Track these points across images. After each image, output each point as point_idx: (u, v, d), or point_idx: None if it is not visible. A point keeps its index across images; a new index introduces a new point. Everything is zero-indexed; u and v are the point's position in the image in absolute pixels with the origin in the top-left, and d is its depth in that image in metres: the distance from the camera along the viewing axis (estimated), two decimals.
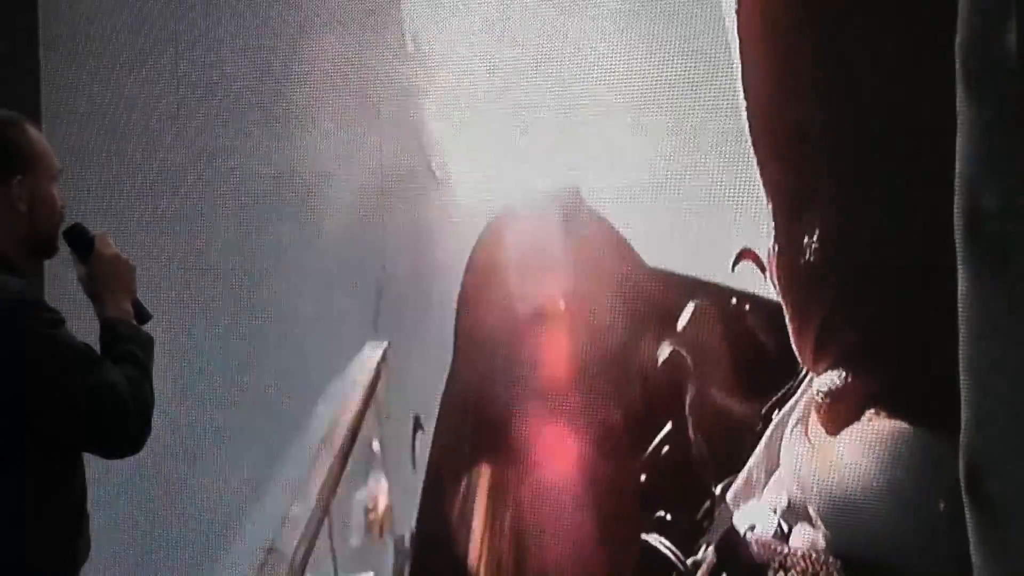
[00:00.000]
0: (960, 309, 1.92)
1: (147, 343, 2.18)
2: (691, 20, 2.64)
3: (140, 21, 3.49)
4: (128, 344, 2.12)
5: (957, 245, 1.91)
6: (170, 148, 3.51)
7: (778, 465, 2.49)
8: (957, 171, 1.92)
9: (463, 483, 3.14)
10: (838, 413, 2.36)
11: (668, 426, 2.69)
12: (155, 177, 3.52)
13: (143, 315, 2.27)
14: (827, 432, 2.39)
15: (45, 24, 3.49)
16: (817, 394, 2.41)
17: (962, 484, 1.91)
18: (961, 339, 1.92)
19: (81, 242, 2.25)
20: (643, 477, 2.72)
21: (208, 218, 3.50)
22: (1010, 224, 1.85)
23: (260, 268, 3.48)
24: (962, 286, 1.92)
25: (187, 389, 3.48)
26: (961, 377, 1.91)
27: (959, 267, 1.92)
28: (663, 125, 2.73)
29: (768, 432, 2.52)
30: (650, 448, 2.71)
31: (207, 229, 3.50)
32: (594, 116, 2.88)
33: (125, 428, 2.03)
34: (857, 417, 2.33)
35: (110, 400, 2.00)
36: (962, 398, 1.92)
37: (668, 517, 2.68)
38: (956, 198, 1.91)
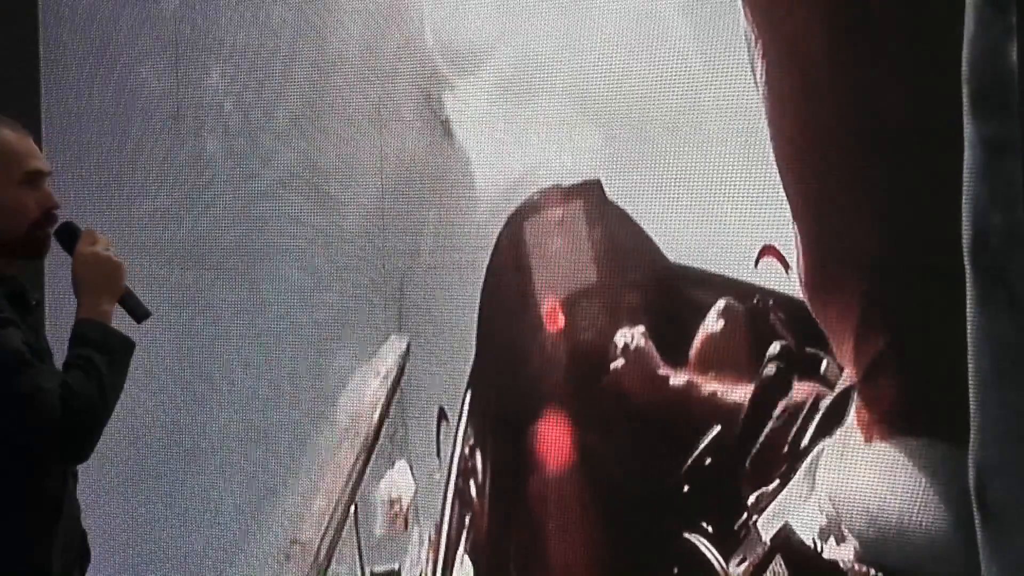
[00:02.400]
0: (968, 321, 1.92)
1: (118, 347, 2.10)
2: (711, 17, 2.63)
3: (140, 21, 3.48)
4: (85, 348, 2.05)
5: (965, 259, 1.92)
6: (170, 148, 3.50)
7: (814, 483, 2.48)
8: (964, 186, 1.92)
9: (488, 480, 3.14)
10: (872, 420, 2.34)
11: (714, 431, 2.67)
12: (155, 177, 3.51)
13: (138, 313, 2.22)
14: (863, 438, 2.37)
15: (45, 24, 3.47)
16: (853, 401, 2.40)
17: (971, 491, 1.91)
18: (970, 350, 1.92)
19: (70, 240, 2.20)
20: (686, 488, 2.70)
21: (209, 218, 3.50)
22: (1014, 238, 1.85)
23: (264, 267, 3.47)
24: (970, 298, 1.93)
25: (206, 387, 3.48)
26: (970, 387, 1.92)
27: (967, 280, 1.92)
28: (685, 121, 2.72)
29: (808, 458, 2.50)
30: (694, 455, 2.69)
31: (208, 229, 3.49)
32: (616, 109, 2.87)
33: (51, 434, 1.97)
34: (890, 426, 2.32)
35: (33, 405, 1.95)
36: (971, 407, 1.93)
37: (710, 528, 2.66)
38: (963, 212, 1.91)
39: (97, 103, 3.50)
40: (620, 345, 2.84)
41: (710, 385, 2.71)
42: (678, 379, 2.76)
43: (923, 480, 2.27)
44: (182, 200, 3.51)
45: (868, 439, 2.38)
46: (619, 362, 2.83)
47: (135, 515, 3.46)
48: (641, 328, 2.83)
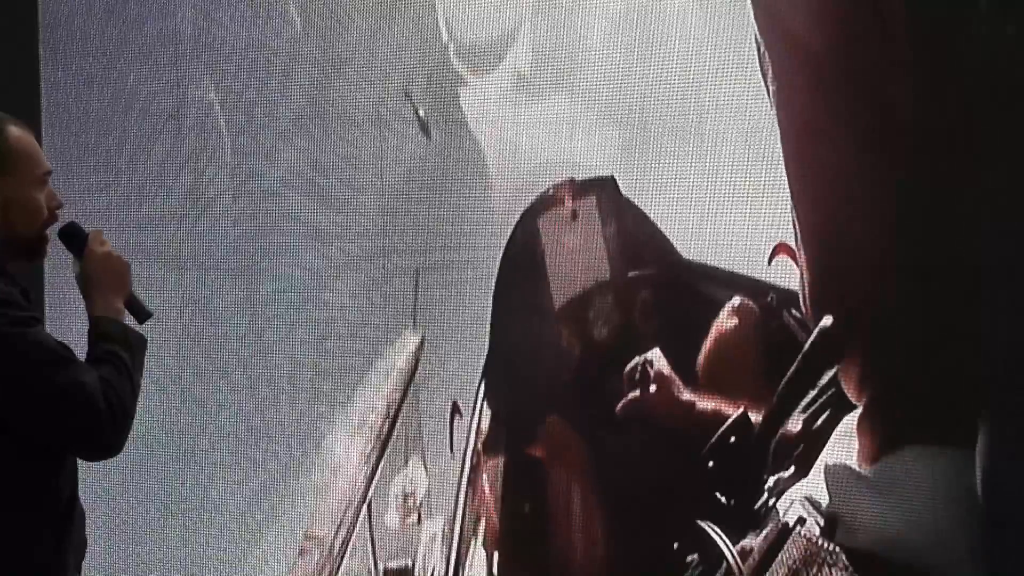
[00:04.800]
0: (981, 322, 1.92)
1: (136, 343, 2.15)
2: (726, 13, 2.64)
3: (140, 21, 3.48)
4: (111, 344, 2.09)
5: (983, 254, 1.92)
6: (171, 148, 3.50)
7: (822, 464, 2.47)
8: (990, 185, 1.91)
9: (502, 474, 3.15)
10: (873, 445, 2.33)
11: (736, 413, 2.66)
12: (156, 177, 3.51)
13: (141, 313, 2.25)
14: (864, 459, 2.36)
15: (45, 24, 3.47)
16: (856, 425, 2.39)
17: (979, 494, 1.91)
18: (982, 351, 1.92)
19: (75, 240, 2.23)
20: (711, 463, 2.69)
21: (210, 218, 3.50)
22: None
23: (265, 267, 3.47)
24: (982, 298, 1.93)
25: (206, 387, 3.48)
26: (980, 390, 1.92)
27: (981, 280, 1.92)
28: (699, 118, 2.73)
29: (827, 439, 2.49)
30: (717, 434, 2.69)
31: (209, 229, 3.49)
32: (630, 106, 2.88)
33: (95, 428, 2.00)
34: (891, 449, 2.30)
35: (78, 400, 1.97)
36: (981, 410, 1.92)
37: (724, 500, 2.66)
38: (986, 208, 1.91)
39: (97, 103, 3.50)
40: (638, 374, 2.83)
41: (722, 383, 2.71)
42: (703, 403, 2.75)
43: (931, 481, 2.26)
44: (182, 200, 3.51)
45: (875, 442, 2.37)
46: (636, 392, 2.83)
47: (136, 515, 3.46)
48: (657, 351, 2.82)
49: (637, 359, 2.81)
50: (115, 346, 2.09)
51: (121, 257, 2.23)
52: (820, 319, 2.41)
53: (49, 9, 3.48)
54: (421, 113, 3.26)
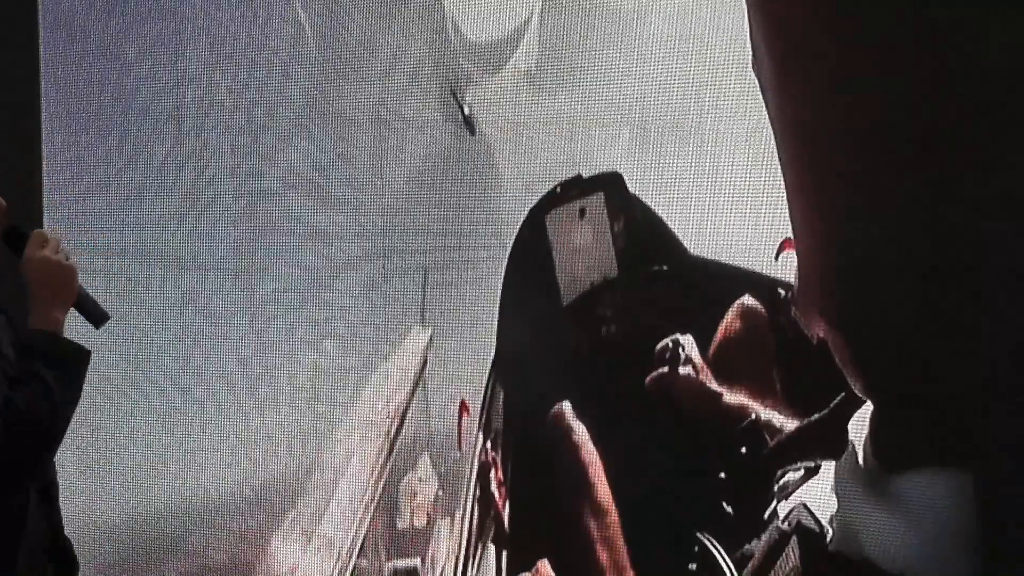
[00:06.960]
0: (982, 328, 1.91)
1: (70, 358, 2.01)
2: (732, 11, 2.63)
3: (140, 20, 3.47)
4: (33, 362, 1.95)
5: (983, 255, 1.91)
6: (171, 147, 3.49)
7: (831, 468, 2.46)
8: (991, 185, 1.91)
9: (510, 472, 3.15)
10: (887, 447, 2.32)
11: (749, 419, 2.66)
12: (155, 177, 3.50)
13: (96, 317, 2.12)
14: (878, 465, 2.35)
15: (45, 24, 3.46)
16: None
17: (980, 503, 1.91)
18: (982, 358, 1.92)
19: (15, 243, 2.09)
20: (722, 474, 2.69)
21: (210, 218, 3.49)
22: None
23: (266, 267, 3.47)
24: (983, 303, 1.92)
25: (205, 388, 3.47)
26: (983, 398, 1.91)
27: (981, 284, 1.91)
28: (701, 114, 2.72)
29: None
30: (729, 442, 2.69)
31: (208, 229, 3.48)
32: (637, 103, 2.88)
33: None
34: (902, 440, 2.30)
35: None
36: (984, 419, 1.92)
37: (729, 509, 2.66)
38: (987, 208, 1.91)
39: (97, 103, 3.49)
40: (668, 352, 2.82)
41: (732, 378, 2.71)
42: (730, 396, 2.74)
43: (932, 489, 2.26)
44: (182, 200, 3.49)
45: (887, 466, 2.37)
46: (665, 369, 2.82)
47: (136, 516, 3.45)
48: (690, 337, 2.82)
49: (669, 339, 2.81)
50: (36, 364, 1.95)
51: (62, 262, 2.06)
52: (811, 318, 2.40)
53: (49, 9, 3.46)
54: (467, 111, 3.25)
